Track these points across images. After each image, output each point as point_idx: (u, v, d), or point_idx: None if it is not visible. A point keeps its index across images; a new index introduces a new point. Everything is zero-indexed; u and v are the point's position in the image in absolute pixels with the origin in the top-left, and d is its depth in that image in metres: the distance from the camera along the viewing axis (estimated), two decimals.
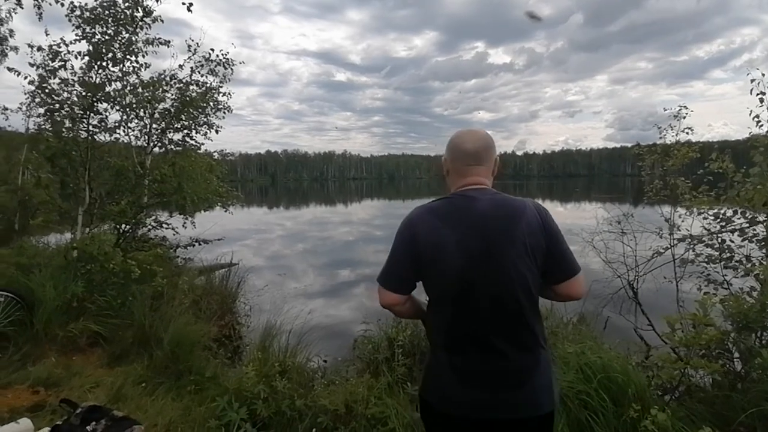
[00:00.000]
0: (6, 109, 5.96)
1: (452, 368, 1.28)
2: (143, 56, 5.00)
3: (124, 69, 4.90)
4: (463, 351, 1.28)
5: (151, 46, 5.07)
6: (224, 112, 5.90)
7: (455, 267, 1.23)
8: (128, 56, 4.86)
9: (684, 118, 3.87)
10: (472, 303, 1.24)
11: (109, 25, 4.68)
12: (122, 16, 4.71)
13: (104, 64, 4.75)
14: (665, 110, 3.99)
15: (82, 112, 4.81)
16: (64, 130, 4.87)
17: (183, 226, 5.82)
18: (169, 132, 5.52)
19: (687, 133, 3.89)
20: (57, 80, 4.70)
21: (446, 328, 1.30)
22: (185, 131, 5.58)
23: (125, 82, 4.98)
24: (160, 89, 5.21)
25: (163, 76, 5.35)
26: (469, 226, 1.25)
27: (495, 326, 1.24)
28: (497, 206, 1.27)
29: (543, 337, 1.31)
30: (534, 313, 1.28)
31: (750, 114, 3.22)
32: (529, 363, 1.26)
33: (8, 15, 8.99)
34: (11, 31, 9.40)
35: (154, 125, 5.43)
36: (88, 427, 1.89)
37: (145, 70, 5.08)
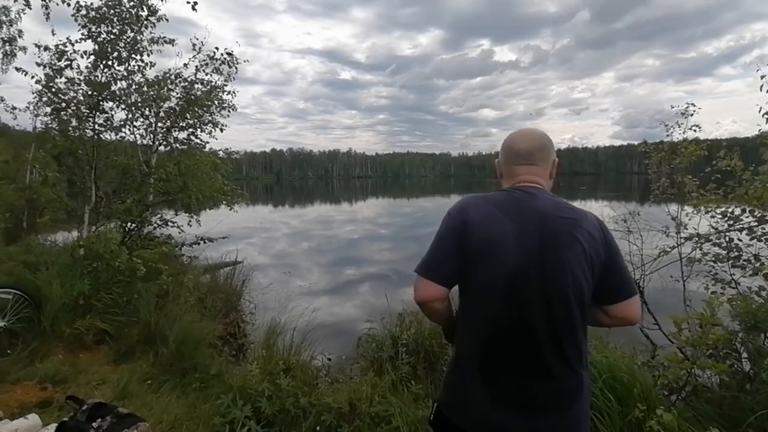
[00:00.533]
0: (14, 108, 6.03)
1: (485, 383, 1.15)
2: (148, 55, 5.02)
3: (129, 68, 4.92)
4: (502, 364, 1.14)
5: (156, 44, 5.09)
6: (229, 111, 5.91)
7: (511, 262, 1.11)
8: (133, 55, 4.88)
9: (692, 115, 3.83)
10: (521, 305, 1.12)
11: (115, 25, 4.70)
12: (127, 16, 4.72)
13: (110, 63, 4.76)
14: (672, 107, 3.95)
15: (88, 111, 4.84)
16: (70, 128, 4.90)
17: (188, 224, 5.85)
18: (175, 130, 5.54)
19: (694, 130, 3.85)
20: (63, 79, 4.73)
21: (485, 334, 1.16)
22: (190, 130, 5.60)
23: (130, 81, 5.01)
24: (165, 88, 5.23)
25: (168, 75, 5.37)
26: (529, 221, 1.14)
27: (544, 336, 1.11)
28: (558, 206, 1.18)
29: (587, 357, 1.20)
30: (583, 327, 1.16)
31: (759, 111, 3.18)
32: (575, 384, 1.14)
33: (17, 16, 9.10)
34: (20, 31, 9.50)
35: (159, 124, 5.46)
36: (93, 424, 1.90)
37: (150, 69, 5.11)
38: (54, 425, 2.03)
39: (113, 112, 5.05)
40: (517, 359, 1.14)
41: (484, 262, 1.14)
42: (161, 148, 5.64)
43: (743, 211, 3.25)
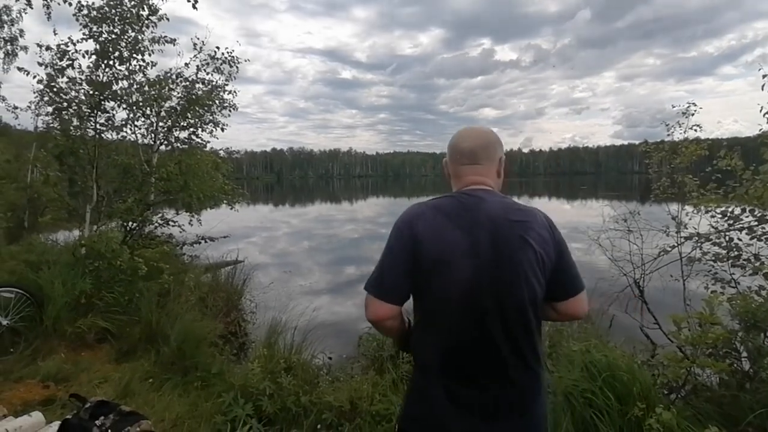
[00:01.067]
0: (16, 108, 6.04)
1: (447, 393, 1.13)
2: (149, 55, 5.04)
3: (130, 67, 4.93)
4: (462, 372, 1.14)
5: (157, 44, 5.11)
6: (230, 110, 5.93)
7: (464, 274, 1.10)
8: (134, 55, 4.89)
9: (692, 115, 3.84)
10: (477, 314, 1.11)
11: (116, 24, 4.71)
12: (128, 15, 4.73)
13: (111, 62, 4.78)
14: (673, 107, 3.95)
15: (89, 111, 4.85)
16: (71, 128, 4.92)
17: (189, 223, 5.87)
18: (176, 130, 5.56)
19: (695, 130, 3.85)
20: (65, 79, 4.75)
21: (444, 345, 1.15)
22: (191, 129, 5.62)
23: (132, 81, 5.02)
24: (167, 87, 5.24)
25: (169, 75, 5.38)
26: (479, 227, 1.12)
27: (502, 342, 1.11)
28: (507, 210, 1.15)
29: (542, 358, 1.20)
30: (538, 328, 1.18)
31: (761, 110, 3.18)
32: (533, 386, 1.16)
33: (18, 15, 9.11)
34: (21, 31, 9.52)
35: (160, 123, 5.47)
36: (96, 422, 1.92)
37: (151, 68, 5.12)
38: (57, 423, 2.05)
39: (114, 112, 5.08)
40: (476, 367, 1.13)
41: (438, 275, 1.12)
42: (162, 147, 5.66)
43: (743, 210, 3.25)
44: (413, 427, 1.20)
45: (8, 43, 9.90)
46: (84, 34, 4.66)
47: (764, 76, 3.07)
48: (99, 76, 4.78)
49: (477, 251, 1.10)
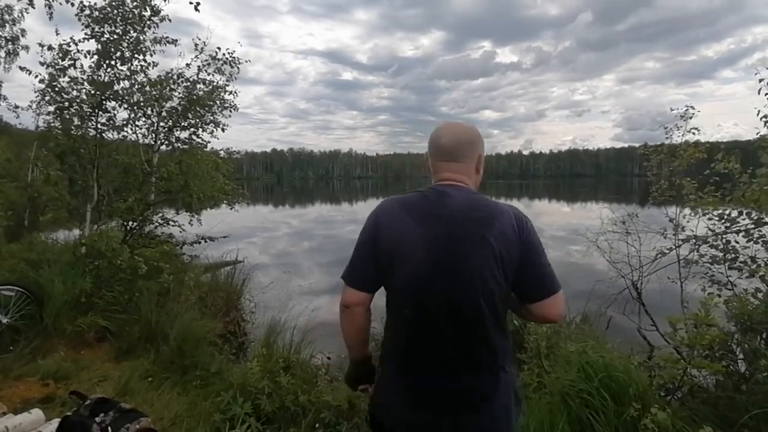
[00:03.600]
0: (17, 107, 6.05)
1: (405, 387, 1.18)
2: (151, 55, 5.06)
3: (132, 68, 4.96)
4: (417, 368, 1.17)
5: (158, 44, 5.13)
6: (230, 111, 5.95)
7: (417, 267, 1.13)
8: (136, 55, 4.92)
9: (691, 118, 3.85)
10: (429, 309, 1.13)
11: (118, 25, 4.74)
12: (130, 16, 4.76)
13: (113, 62, 4.80)
14: (672, 110, 3.97)
15: (91, 110, 4.87)
16: (73, 127, 4.93)
17: (189, 223, 5.88)
18: (176, 130, 5.59)
19: (693, 133, 3.87)
20: (67, 79, 4.77)
21: (401, 339, 1.20)
22: (192, 129, 5.64)
23: (133, 81, 5.04)
24: (168, 88, 5.27)
25: (170, 75, 5.41)
26: (437, 222, 1.14)
27: (451, 338, 1.13)
28: (472, 206, 1.16)
29: (507, 357, 1.19)
30: (498, 328, 1.15)
31: (758, 114, 3.20)
32: (487, 385, 1.15)
33: (20, 15, 9.14)
34: (23, 30, 9.54)
35: (161, 123, 5.50)
36: (97, 419, 1.93)
37: (152, 68, 5.14)
38: (57, 420, 2.06)
39: (116, 112, 5.10)
40: (430, 362, 1.16)
41: (395, 266, 1.16)
42: (163, 147, 5.68)
43: (740, 213, 3.27)
44: (380, 414, 1.26)
45: (10, 43, 9.92)
46: (86, 34, 4.69)
47: (761, 80, 3.10)
48: (101, 76, 4.80)
49: (431, 247, 1.12)
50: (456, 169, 1.24)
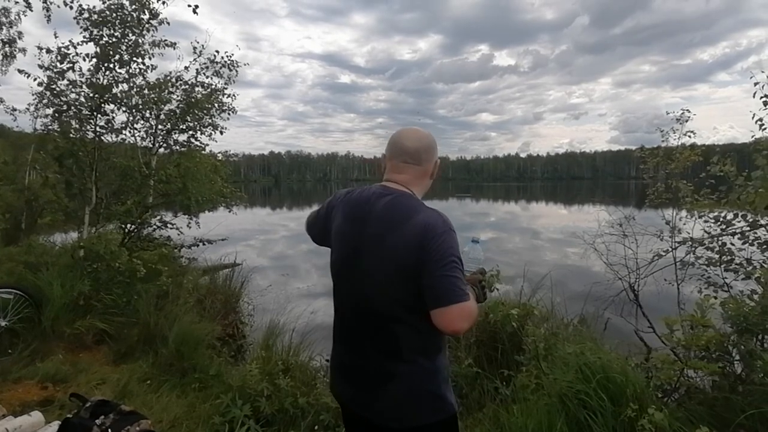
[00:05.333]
0: (15, 109, 6.04)
1: (337, 359, 1.37)
2: (149, 58, 5.06)
3: (130, 71, 4.95)
4: (341, 343, 1.35)
5: (157, 48, 5.13)
6: (229, 114, 5.95)
7: (335, 258, 1.32)
8: (135, 58, 4.91)
9: (687, 121, 3.90)
10: (343, 300, 1.32)
11: (116, 28, 4.73)
12: (129, 19, 4.76)
13: (111, 65, 4.80)
14: (667, 113, 4.01)
15: (89, 113, 4.87)
16: (71, 130, 4.93)
17: (187, 226, 5.87)
18: (175, 133, 5.58)
19: (689, 136, 3.91)
20: (65, 82, 4.76)
21: (336, 321, 1.37)
22: (190, 132, 5.63)
23: (132, 84, 5.04)
24: (166, 91, 5.27)
25: (169, 78, 5.41)
26: (360, 222, 1.24)
27: (357, 325, 1.27)
28: (390, 209, 1.21)
29: (415, 350, 1.21)
30: (403, 324, 1.19)
31: (753, 117, 3.24)
32: (386, 372, 1.22)
33: (17, 17, 9.13)
34: (20, 33, 9.52)
35: (159, 126, 5.49)
36: (97, 421, 1.93)
37: (151, 71, 5.14)
38: (57, 422, 2.06)
39: (114, 115, 5.07)
40: (347, 343, 1.32)
41: (331, 253, 1.37)
42: (161, 150, 5.67)
43: (735, 215, 3.30)
44: (330, 374, 1.47)
45: (6, 45, 9.89)
46: (84, 37, 4.69)
47: (755, 84, 3.14)
48: (99, 78, 4.80)
49: (346, 242, 1.27)
50: (402, 170, 1.31)
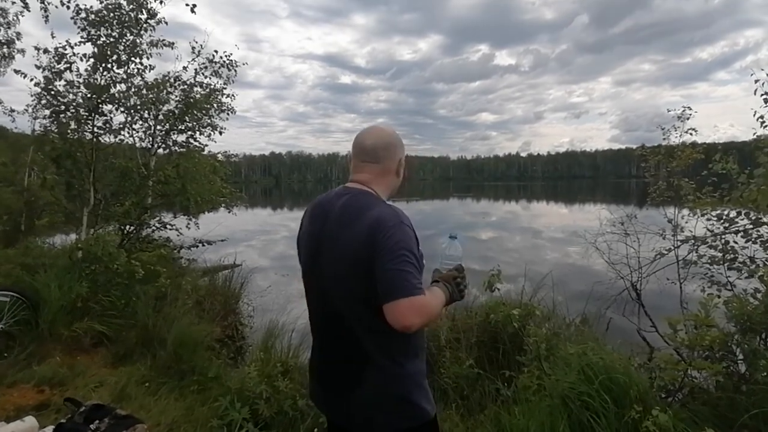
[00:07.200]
0: (13, 111, 6.01)
1: (312, 362, 1.38)
2: (148, 58, 5.04)
3: (128, 71, 4.93)
4: (314, 346, 1.36)
5: (155, 48, 5.11)
6: (228, 114, 5.92)
7: (303, 261, 1.31)
8: (133, 58, 4.89)
9: (687, 119, 3.87)
10: (310, 302, 1.30)
11: (114, 28, 4.72)
12: (126, 19, 4.74)
13: (109, 66, 4.78)
14: (668, 111, 3.98)
15: (87, 114, 4.85)
16: (69, 131, 4.91)
17: (187, 227, 5.85)
18: (173, 133, 5.55)
19: (691, 134, 3.88)
20: (63, 82, 4.75)
21: (311, 326, 1.36)
22: (189, 132, 5.61)
23: (130, 84, 5.02)
24: (165, 91, 5.25)
25: (167, 78, 5.38)
26: (321, 222, 1.23)
27: (324, 327, 1.28)
28: (346, 207, 1.20)
29: (381, 354, 1.17)
30: (365, 326, 1.17)
31: (754, 115, 3.21)
32: (353, 376, 1.20)
33: (15, 18, 9.11)
34: (18, 33, 9.50)
35: (158, 127, 5.47)
36: (91, 426, 1.90)
37: (149, 72, 5.12)
38: (51, 427, 2.03)
39: (112, 115, 5.07)
40: (318, 346, 1.33)
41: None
42: (160, 150, 5.64)
43: (738, 213, 3.27)
44: (309, 386, 1.45)
45: (5, 46, 9.87)
46: (82, 37, 4.67)
47: (756, 81, 3.10)
48: (97, 79, 4.78)
49: (309, 243, 1.27)
50: (364, 169, 1.29)
